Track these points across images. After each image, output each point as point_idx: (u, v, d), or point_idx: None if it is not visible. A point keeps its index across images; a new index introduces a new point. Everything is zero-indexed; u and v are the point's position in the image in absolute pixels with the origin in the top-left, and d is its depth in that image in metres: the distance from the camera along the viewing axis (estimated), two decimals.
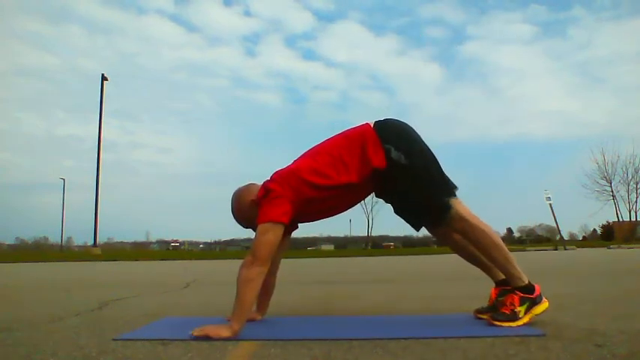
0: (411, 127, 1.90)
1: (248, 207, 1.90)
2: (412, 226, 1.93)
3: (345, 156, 1.80)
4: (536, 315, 1.79)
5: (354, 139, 1.82)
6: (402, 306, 2.61)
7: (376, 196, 1.97)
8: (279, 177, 1.84)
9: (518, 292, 1.78)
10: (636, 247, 18.01)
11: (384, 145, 1.78)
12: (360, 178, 1.79)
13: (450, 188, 1.85)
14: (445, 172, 1.87)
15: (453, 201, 1.80)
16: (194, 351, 1.47)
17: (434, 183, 1.82)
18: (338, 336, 1.66)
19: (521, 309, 1.76)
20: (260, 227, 1.74)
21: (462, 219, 1.80)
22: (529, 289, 1.80)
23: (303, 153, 1.93)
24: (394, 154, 1.76)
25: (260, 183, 1.92)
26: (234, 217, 1.99)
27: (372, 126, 1.85)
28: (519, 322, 1.74)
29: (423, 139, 1.88)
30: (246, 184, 1.98)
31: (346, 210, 1.97)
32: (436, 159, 1.87)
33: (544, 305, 1.80)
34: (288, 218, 1.78)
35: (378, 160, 1.77)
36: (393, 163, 1.76)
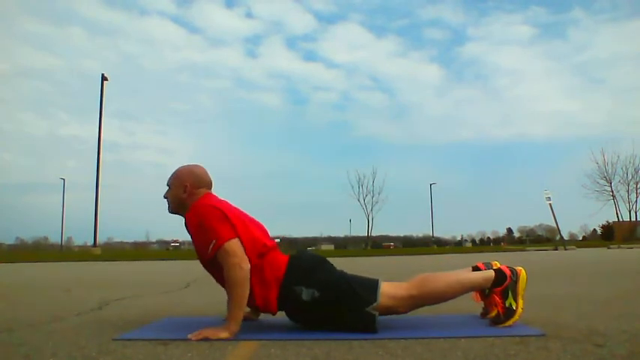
0: (311, 256, 1.92)
1: (178, 185, 1.95)
2: None
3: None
4: (524, 290, 1.78)
5: (267, 263, 1.84)
6: None
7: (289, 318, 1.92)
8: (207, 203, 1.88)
9: (495, 290, 1.78)
10: (636, 247, 18.00)
11: (294, 287, 1.78)
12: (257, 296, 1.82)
13: (369, 298, 1.75)
14: (358, 279, 1.84)
15: (378, 301, 1.75)
16: (194, 351, 1.47)
17: (357, 303, 1.75)
18: (338, 336, 1.66)
19: (509, 301, 1.76)
20: (224, 245, 1.74)
21: (397, 304, 1.78)
22: (500, 278, 1.79)
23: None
24: (305, 293, 1.76)
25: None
26: (169, 178, 2.01)
27: (285, 266, 1.84)
28: (519, 313, 1.75)
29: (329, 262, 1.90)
30: (201, 172, 2.01)
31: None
32: (345, 275, 1.85)
33: (523, 277, 1.79)
34: (235, 233, 1.79)
35: (271, 300, 1.80)
36: (306, 303, 1.76)
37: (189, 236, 1.91)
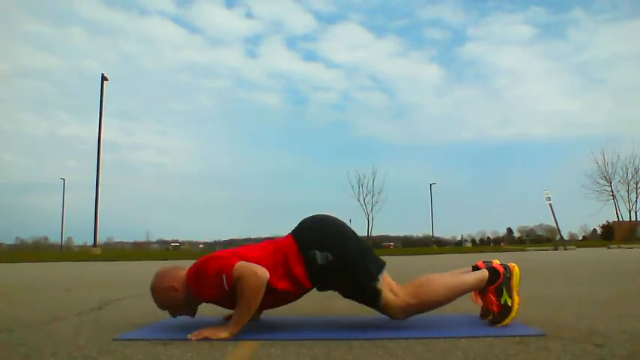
0: (328, 219, 1.91)
1: (167, 290, 1.81)
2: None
3: (280, 268, 1.80)
4: (518, 285, 1.79)
5: (278, 257, 1.81)
6: None
7: (318, 290, 1.94)
8: (214, 261, 1.79)
9: (489, 289, 1.79)
10: (636, 247, 18.00)
11: (308, 251, 1.78)
12: (291, 288, 1.81)
13: (375, 273, 1.81)
14: (370, 253, 1.87)
15: (380, 287, 1.79)
16: (194, 351, 1.47)
17: (362, 272, 1.80)
18: (338, 336, 1.66)
19: (504, 298, 1.76)
20: (237, 267, 1.70)
21: (402, 307, 1.80)
22: (493, 276, 1.80)
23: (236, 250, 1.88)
24: (319, 257, 1.77)
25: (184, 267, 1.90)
26: (153, 297, 1.87)
27: (292, 238, 1.85)
28: (515, 309, 1.75)
29: (346, 226, 1.90)
30: (169, 267, 1.91)
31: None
32: (360, 244, 1.86)
33: (516, 272, 1.80)
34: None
35: (302, 278, 1.79)
36: (321, 267, 1.77)
37: (214, 303, 1.85)
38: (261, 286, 1.69)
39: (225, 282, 1.69)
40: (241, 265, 1.70)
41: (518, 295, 1.77)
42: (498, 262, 1.86)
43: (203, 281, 1.74)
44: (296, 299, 1.91)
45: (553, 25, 69.91)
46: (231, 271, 1.69)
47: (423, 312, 1.86)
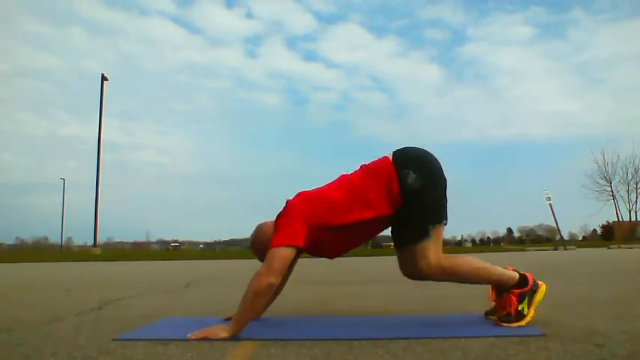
0: (430, 153, 1.91)
1: (265, 243, 1.86)
2: (396, 245, 1.90)
3: (368, 193, 1.80)
4: (539, 302, 1.80)
5: (377, 176, 1.82)
6: (402, 306, 2.61)
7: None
8: (301, 199, 1.83)
9: (514, 291, 1.79)
10: (636, 247, 18.00)
11: (403, 170, 1.78)
12: (384, 213, 1.79)
13: (439, 218, 1.83)
14: (446, 203, 1.87)
15: (432, 234, 1.79)
16: (194, 351, 1.47)
17: (431, 208, 1.81)
18: (338, 336, 1.66)
19: (522, 305, 1.77)
20: (275, 245, 1.73)
21: (431, 266, 1.79)
22: (522, 282, 1.81)
23: (327, 184, 1.91)
24: (411, 177, 1.77)
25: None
26: (252, 249, 1.99)
27: (390, 159, 1.85)
28: (527, 319, 1.75)
29: (441, 166, 1.89)
30: (268, 222, 1.95)
31: (369, 240, 1.96)
32: (445, 187, 1.87)
33: (542, 290, 1.82)
34: (303, 240, 1.76)
35: (399, 197, 1.78)
36: (408, 187, 1.77)
37: None
38: (265, 290, 1.69)
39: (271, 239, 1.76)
40: (273, 256, 1.71)
41: (534, 310, 1.78)
42: (530, 274, 1.87)
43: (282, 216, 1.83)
44: (374, 233, 1.91)
45: (553, 25, 70.14)
46: (275, 242, 1.73)
47: (444, 279, 1.85)
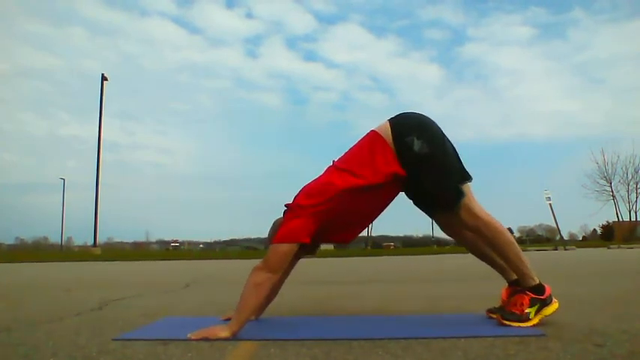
0: (429, 117, 1.90)
1: None
2: (427, 214, 1.95)
3: (369, 158, 1.79)
4: (546, 316, 1.79)
5: (372, 143, 1.81)
6: (402, 306, 2.61)
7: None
8: (306, 192, 1.83)
9: (529, 293, 1.78)
10: (636, 247, 18.00)
11: (406, 138, 1.77)
12: (388, 179, 1.78)
13: (464, 177, 1.86)
14: (461, 161, 1.88)
15: (465, 192, 1.82)
16: (194, 351, 1.47)
17: (451, 169, 1.83)
18: (338, 336, 1.66)
19: (531, 310, 1.76)
20: (275, 241, 1.74)
21: (474, 215, 1.82)
22: (540, 289, 1.80)
23: (327, 167, 1.92)
24: (416, 144, 1.76)
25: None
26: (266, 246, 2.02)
27: (389, 125, 1.83)
28: (529, 323, 1.74)
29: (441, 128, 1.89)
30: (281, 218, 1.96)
31: (377, 216, 1.95)
32: (454, 147, 1.88)
33: (554, 306, 1.81)
34: (308, 235, 1.76)
35: (395, 165, 1.76)
36: (415, 154, 1.76)
37: None
38: (263, 284, 1.71)
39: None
40: (273, 252, 1.72)
41: (538, 320, 1.77)
42: (549, 287, 1.87)
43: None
44: (389, 198, 1.89)
45: (553, 26, 70.07)
46: (279, 238, 1.74)
47: (483, 237, 1.86)
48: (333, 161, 1.91)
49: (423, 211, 1.96)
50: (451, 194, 1.81)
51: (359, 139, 1.90)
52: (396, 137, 1.78)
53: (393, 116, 1.88)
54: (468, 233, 1.92)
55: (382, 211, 1.95)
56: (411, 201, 1.97)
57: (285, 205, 1.86)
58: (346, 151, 1.91)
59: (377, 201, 1.87)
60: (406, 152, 1.76)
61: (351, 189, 1.76)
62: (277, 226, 1.92)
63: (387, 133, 1.80)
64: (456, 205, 1.81)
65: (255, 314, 2.09)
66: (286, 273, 2.08)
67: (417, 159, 1.76)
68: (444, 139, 1.85)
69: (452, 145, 1.87)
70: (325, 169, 1.91)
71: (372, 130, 1.86)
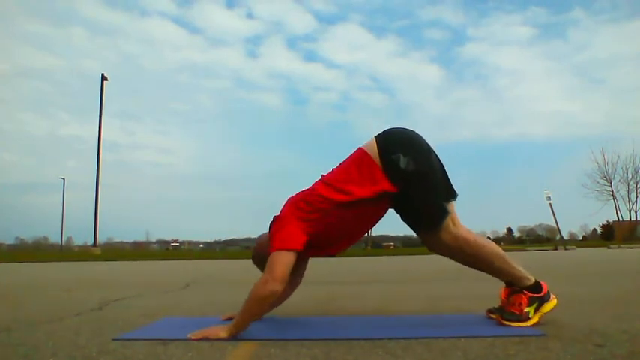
0: (415, 132, 1.89)
1: (263, 255, 1.88)
2: (414, 231, 1.93)
3: (356, 175, 1.79)
4: (545, 313, 1.80)
5: (359, 161, 1.82)
6: (402, 306, 2.61)
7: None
8: (293, 202, 1.83)
9: (526, 292, 1.79)
10: (636, 247, 18.00)
11: (392, 155, 1.76)
12: (375, 196, 1.77)
13: (450, 194, 1.85)
14: (448, 178, 1.87)
15: (450, 210, 1.81)
16: (194, 351, 1.47)
17: (437, 187, 1.81)
18: (338, 336, 1.66)
19: (530, 309, 1.77)
20: (274, 252, 1.72)
21: (455, 236, 1.80)
22: (536, 287, 1.81)
23: (314, 182, 1.92)
24: (402, 161, 1.75)
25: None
26: (253, 261, 2.06)
27: (375, 142, 1.83)
28: (529, 322, 1.75)
29: (428, 143, 1.88)
30: (266, 233, 1.95)
31: (365, 233, 1.96)
32: (441, 163, 1.87)
33: (552, 302, 1.81)
34: (301, 243, 1.75)
35: (383, 182, 1.76)
36: (402, 171, 1.75)
37: None
38: (266, 298, 1.68)
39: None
40: (274, 260, 1.70)
41: (538, 318, 1.78)
42: (546, 284, 1.87)
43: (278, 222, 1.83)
44: (377, 216, 1.88)
45: (553, 26, 70.14)
46: (274, 249, 1.73)
47: (465, 255, 1.83)
48: (322, 176, 1.91)
49: (409, 227, 1.93)
50: (435, 213, 1.79)
51: (347, 156, 1.90)
52: (383, 154, 1.77)
53: (379, 133, 1.88)
54: (453, 248, 1.89)
55: (370, 228, 1.95)
56: (399, 216, 1.94)
57: (274, 218, 1.85)
58: (334, 167, 1.91)
59: (364, 218, 1.86)
60: (393, 169, 1.75)
61: (338, 204, 1.77)
62: (259, 243, 1.95)
63: (373, 151, 1.79)
64: (439, 224, 1.79)
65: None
66: (293, 284, 2.11)
67: (404, 176, 1.75)
68: (430, 155, 1.83)
69: (439, 161, 1.86)
70: (313, 183, 1.91)
71: (359, 148, 1.86)
